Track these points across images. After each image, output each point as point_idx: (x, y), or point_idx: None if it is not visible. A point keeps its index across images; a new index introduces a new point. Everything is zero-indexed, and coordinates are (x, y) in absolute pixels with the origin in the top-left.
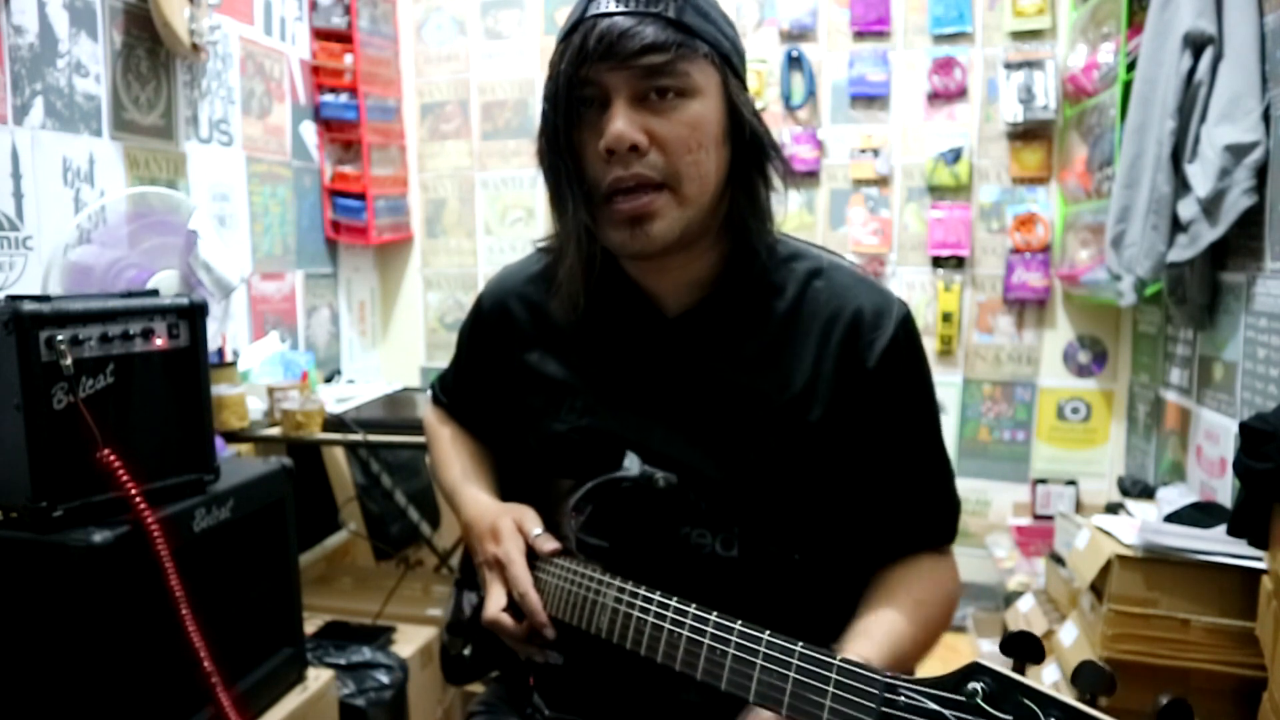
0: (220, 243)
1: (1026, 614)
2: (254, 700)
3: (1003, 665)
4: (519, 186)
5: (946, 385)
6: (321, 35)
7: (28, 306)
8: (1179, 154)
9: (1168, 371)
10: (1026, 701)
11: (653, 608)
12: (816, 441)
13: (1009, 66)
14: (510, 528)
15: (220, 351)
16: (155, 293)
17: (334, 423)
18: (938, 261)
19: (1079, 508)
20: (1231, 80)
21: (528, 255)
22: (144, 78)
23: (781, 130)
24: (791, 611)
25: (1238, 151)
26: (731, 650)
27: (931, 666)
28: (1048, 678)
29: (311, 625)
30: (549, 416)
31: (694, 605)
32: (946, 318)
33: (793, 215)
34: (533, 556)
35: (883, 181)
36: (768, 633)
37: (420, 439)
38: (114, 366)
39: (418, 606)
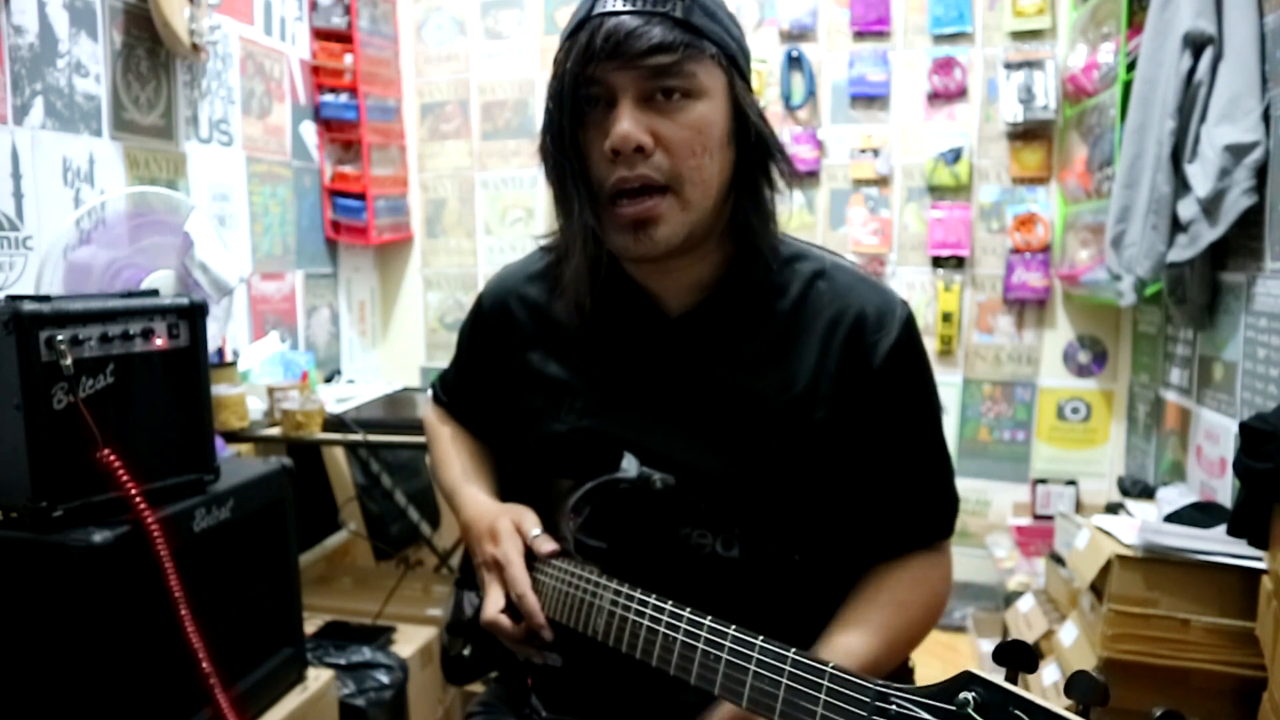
0: (219, 243)
1: (1026, 614)
2: (254, 700)
3: (996, 673)
4: (519, 186)
5: (946, 385)
6: (321, 35)
7: (28, 306)
8: (1179, 154)
9: (1168, 371)
10: (1018, 712)
11: (648, 611)
12: (819, 441)
13: (1009, 66)
14: (509, 529)
15: (220, 351)
16: (155, 293)
17: (334, 423)
18: (938, 261)
19: (1079, 508)
20: (1231, 80)
21: (528, 254)
22: (144, 78)
23: (781, 130)
24: (791, 612)
25: (1238, 151)
26: (725, 656)
27: (930, 666)
28: (1047, 678)
29: (311, 625)
30: (549, 417)
31: (689, 610)
32: (946, 318)
33: (793, 215)
34: (531, 557)
35: (883, 181)
36: (760, 638)
37: (420, 439)
38: (114, 366)
39: (418, 606)
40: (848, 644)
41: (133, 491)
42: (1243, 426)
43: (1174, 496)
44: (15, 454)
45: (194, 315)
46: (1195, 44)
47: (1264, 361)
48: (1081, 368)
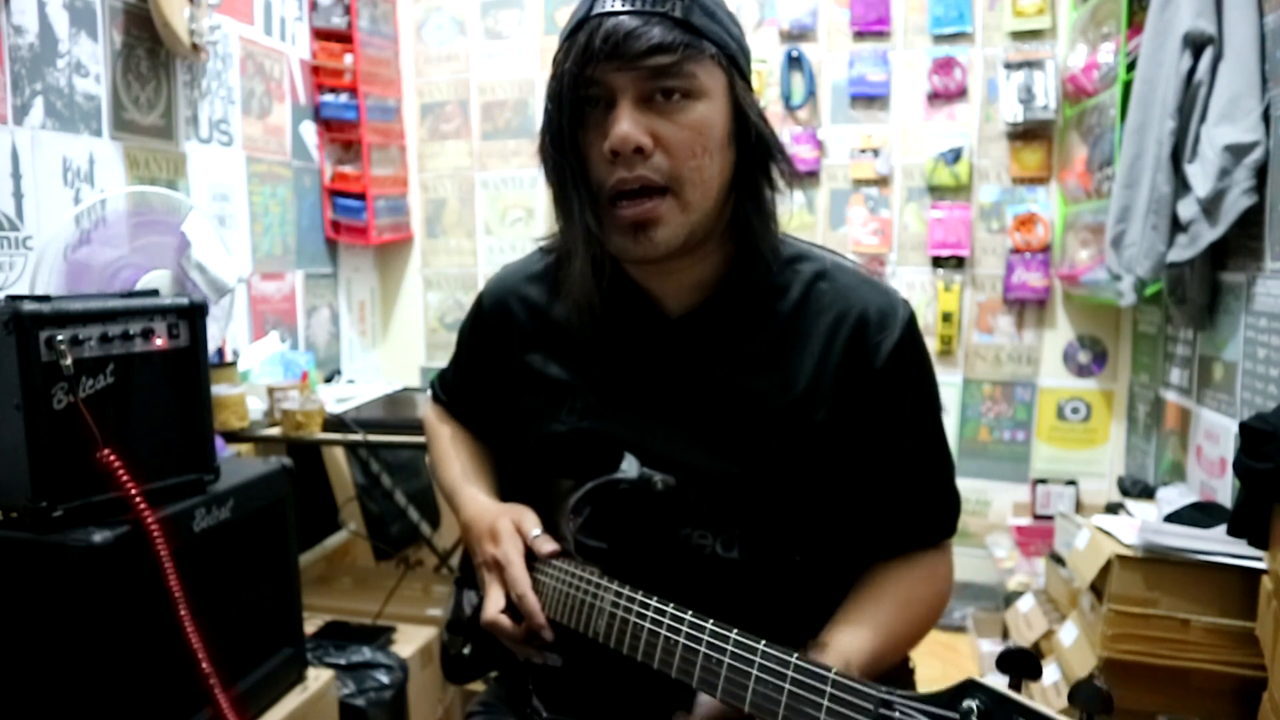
0: (218, 243)
1: (1026, 614)
2: (254, 700)
3: (997, 675)
4: (519, 186)
5: (946, 385)
6: (321, 35)
7: (28, 306)
8: (1179, 154)
9: (1168, 371)
10: None
11: (649, 613)
12: (820, 442)
13: (1009, 66)
14: (509, 529)
15: (220, 351)
16: (155, 292)
17: (334, 423)
18: (938, 261)
19: (1079, 508)
20: (1231, 80)
21: (529, 254)
22: (144, 78)
23: (781, 130)
24: (792, 613)
25: (1237, 151)
26: (727, 659)
27: (930, 666)
28: (1047, 678)
29: (311, 625)
30: (549, 417)
31: (690, 612)
32: (946, 318)
33: (793, 215)
34: (532, 557)
35: (883, 181)
36: (763, 642)
37: (420, 439)
38: (114, 366)
39: (418, 606)
40: (851, 640)
41: (133, 491)
42: (1243, 426)
43: (1174, 496)
44: (15, 454)
45: (194, 315)
46: (1195, 44)
47: (1264, 361)
48: (1081, 368)
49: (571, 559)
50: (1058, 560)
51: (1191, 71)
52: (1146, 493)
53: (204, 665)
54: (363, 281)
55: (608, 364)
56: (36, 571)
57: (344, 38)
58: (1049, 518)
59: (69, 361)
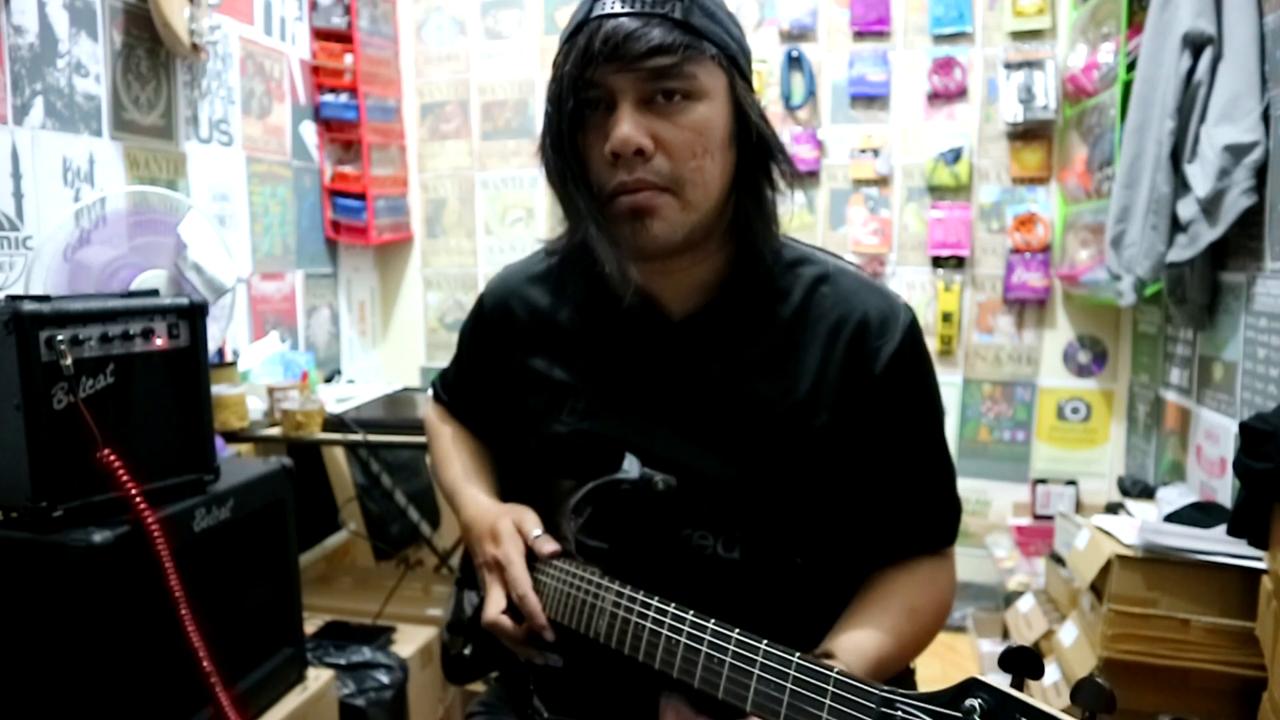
0: (216, 243)
1: (1026, 614)
2: (254, 700)
3: (997, 675)
4: (519, 186)
5: (946, 385)
6: (321, 35)
7: (28, 306)
8: (1179, 154)
9: (1168, 371)
10: (1024, 719)
11: (650, 613)
12: (820, 447)
13: (1009, 66)
14: (510, 529)
15: (220, 351)
16: (155, 292)
17: (334, 423)
18: (938, 261)
19: (1079, 508)
20: (1231, 80)
21: (530, 255)
22: (144, 78)
23: (781, 130)
24: (793, 614)
25: (1237, 151)
26: (729, 659)
27: (930, 666)
28: (1047, 678)
29: (311, 625)
30: (549, 418)
31: (692, 612)
32: (946, 318)
33: (793, 215)
34: (532, 558)
35: (883, 181)
36: (765, 642)
37: (420, 439)
38: (114, 366)
39: (418, 606)
40: (853, 649)
41: (133, 491)
42: (1243, 426)
43: (1174, 496)
44: (15, 454)
45: (194, 315)
46: (1195, 44)
47: (1264, 361)
48: (1081, 368)
49: (572, 559)
50: (1058, 560)
51: (1191, 71)
52: (1146, 493)
53: (204, 665)
54: (363, 281)
55: (609, 365)
56: (36, 571)
57: (344, 38)
58: (1049, 518)
59: (69, 361)
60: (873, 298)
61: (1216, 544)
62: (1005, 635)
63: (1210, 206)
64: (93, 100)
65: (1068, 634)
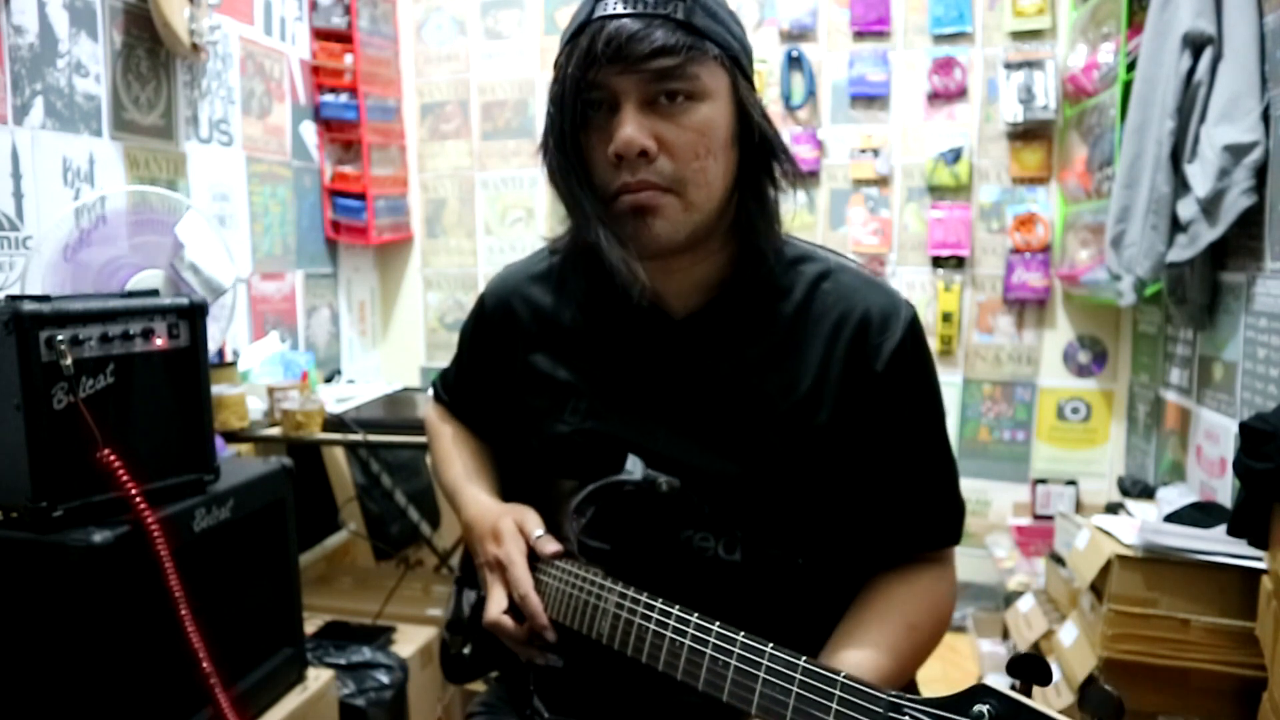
0: (215, 243)
1: (1026, 614)
2: (254, 700)
3: (998, 675)
4: (519, 186)
5: (946, 385)
6: (321, 35)
7: (28, 306)
8: (1179, 154)
9: (1168, 371)
10: None
11: (654, 615)
12: (822, 444)
13: (1009, 66)
14: (511, 529)
15: (220, 351)
16: (155, 292)
17: (334, 423)
18: (938, 261)
19: (1079, 508)
20: (1231, 80)
21: (531, 255)
22: (144, 78)
23: (782, 130)
24: (794, 616)
25: (1237, 151)
26: (734, 662)
27: (930, 667)
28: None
29: (311, 625)
30: (551, 418)
31: (696, 614)
32: (946, 318)
33: (794, 215)
34: (534, 558)
35: (883, 181)
36: (770, 645)
37: (420, 439)
38: (114, 366)
39: (418, 606)
40: (859, 661)
41: (133, 491)
42: (1243, 426)
43: (1174, 496)
44: (15, 454)
45: (194, 315)
46: (1195, 44)
47: (1264, 361)
48: (1081, 368)
49: (574, 560)
50: (1058, 560)
51: (1191, 71)
52: (1146, 493)
53: (204, 665)
54: (363, 281)
55: (611, 365)
56: (36, 571)
57: (344, 38)
58: (1049, 518)
59: (69, 361)
60: (874, 294)
61: (1216, 544)
62: (1005, 635)
63: (1210, 206)
64: (93, 100)
65: (1068, 634)
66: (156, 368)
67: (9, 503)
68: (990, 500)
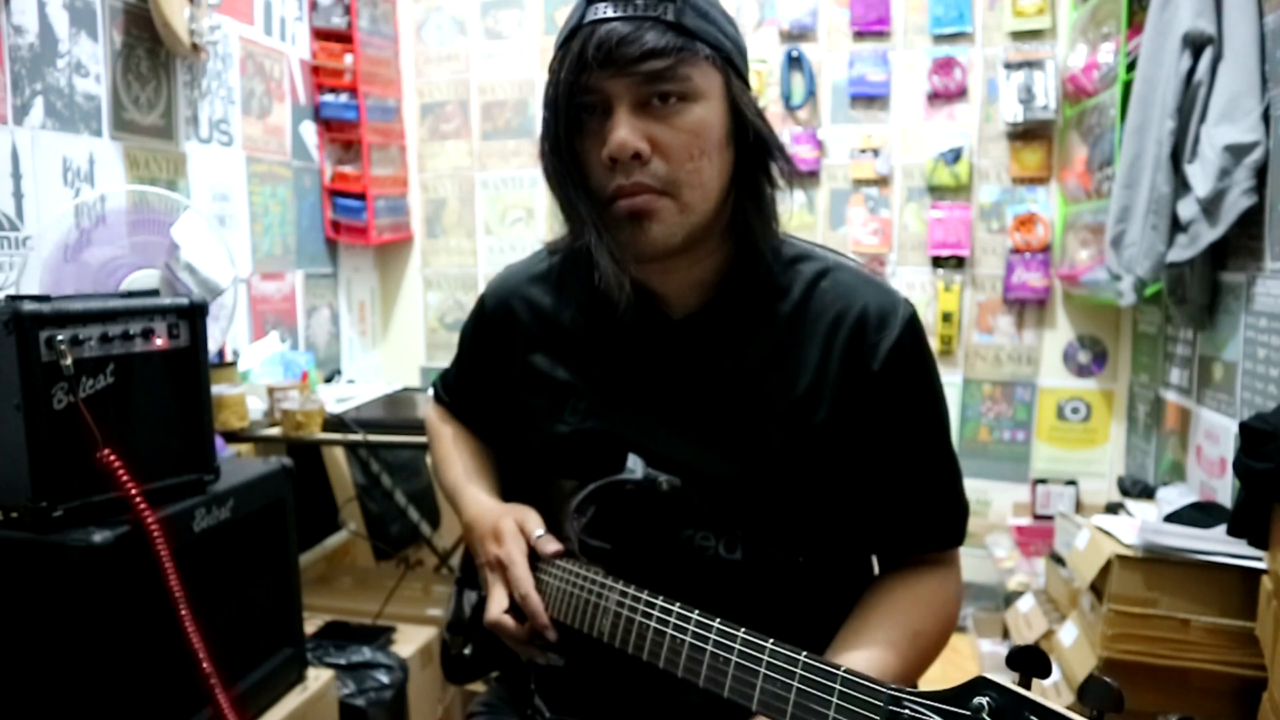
0: (214, 243)
1: (1026, 614)
2: (254, 700)
3: (999, 674)
4: (519, 186)
5: (947, 385)
6: (321, 35)
7: (28, 306)
8: (1179, 154)
9: (1168, 371)
10: (1033, 717)
11: (655, 613)
12: (822, 443)
13: (1009, 66)
14: (512, 529)
15: (220, 351)
16: (156, 292)
17: (334, 423)
18: (938, 261)
19: (1079, 508)
20: (1231, 80)
21: (531, 255)
22: (144, 78)
23: (781, 130)
24: (795, 615)
25: (1237, 151)
26: (734, 658)
27: (931, 667)
28: (1048, 679)
29: (311, 625)
30: (551, 418)
31: (697, 611)
32: (946, 318)
33: (793, 215)
34: (535, 558)
35: (883, 181)
36: (771, 641)
37: (420, 439)
38: (114, 366)
39: (418, 606)
40: (862, 662)
41: (133, 491)
42: (1243, 426)
43: (1174, 496)
44: (15, 454)
45: (194, 315)
46: (1195, 44)
47: (1264, 361)
48: (1081, 368)
49: (575, 559)
50: (1058, 560)
51: (1191, 71)
52: (1146, 493)
53: (204, 665)
54: (363, 281)
55: (611, 365)
56: (36, 571)
57: (344, 38)
58: (1049, 518)
59: (69, 361)
60: (872, 292)
61: (1216, 544)
62: (1005, 635)
63: (1210, 206)
64: (93, 100)
65: (1068, 634)
66: (156, 368)
67: (9, 503)
68: (990, 500)
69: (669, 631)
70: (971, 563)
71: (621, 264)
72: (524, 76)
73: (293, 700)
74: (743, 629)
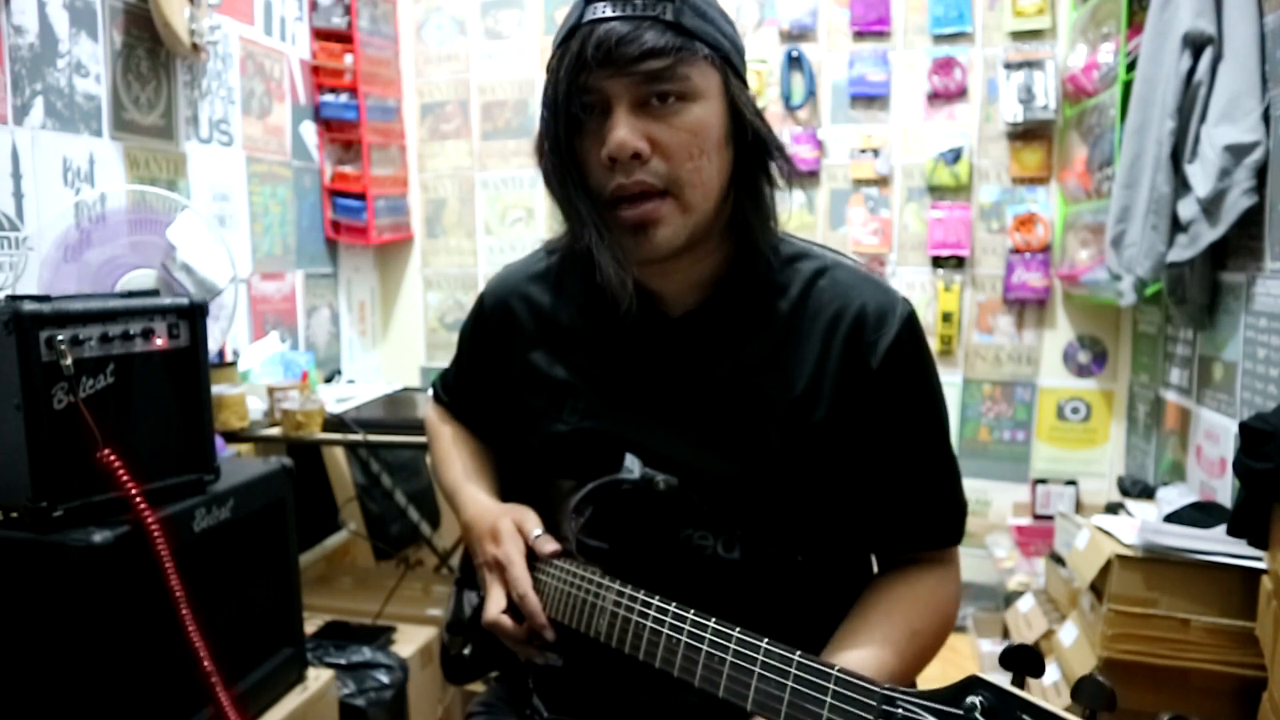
0: (212, 243)
1: (1026, 614)
2: (254, 700)
3: (998, 675)
4: (519, 186)
5: (946, 385)
6: (321, 35)
7: (28, 306)
8: (1179, 154)
9: (1168, 371)
10: (1025, 717)
11: (651, 612)
12: (820, 442)
13: (1009, 66)
14: (510, 529)
15: (220, 351)
16: (156, 292)
17: (334, 423)
18: (938, 261)
19: (1079, 508)
20: (1231, 80)
21: (531, 254)
22: (144, 78)
23: (781, 130)
24: (793, 613)
25: (1237, 152)
26: (729, 657)
27: (931, 667)
28: (1047, 678)
29: (311, 625)
30: (550, 417)
31: (693, 611)
32: (946, 318)
33: (793, 215)
34: (533, 558)
35: (883, 181)
36: (765, 640)
37: (420, 439)
38: (114, 366)
39: (418, 606)
40: (861, 664)
41: (133, 491)
42: (1243, 426)
43: (1174, 496)
44: (15, 454)
45: (194, 315)
46: (1195, 44)
47: (1264, 361)
48: (1081, 368)
49: (573, 559)
50: (1058, 560)
51: (1191, 71)
52: (1146, 493)
53: (205, 665)
54: (363, 281)
55: (609, 364)
56: (36, 571)
57: (344, 38)
58: (1049, 518)
59: (69, 361)
60: (870, 291)
61: (1216, 544)
62: (1005, 635)
63: (1210, 206)
64: (93, 100)
65: (1068, 634)
66: (157, 368)
67: (9, 503)
68: (990, 500)
69: (665, 631)
70: (971, 563)
71: (624, 265)
72: (524, 76)
73: (293, 700)
74: (738, 629)
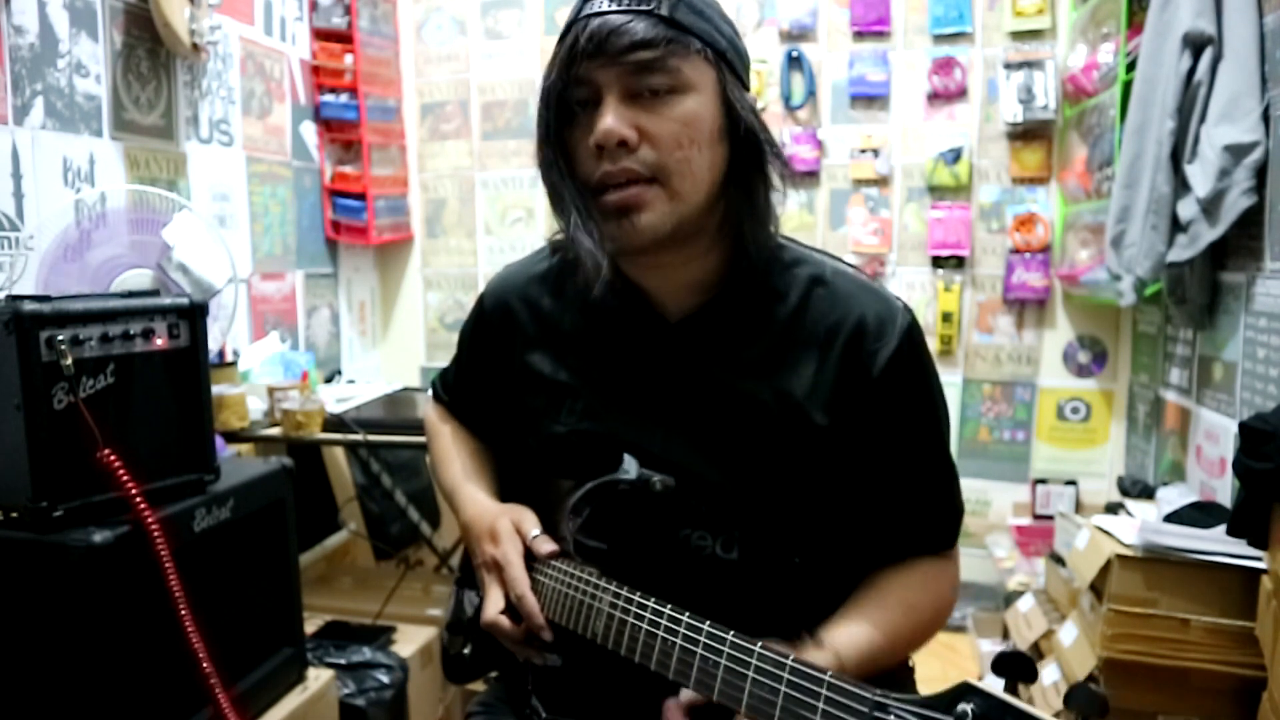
0: (211, 243)
1: (1026, 614)
2: (254, 700)
3: (995, 685)
4: (519, 186)
5: (947, 385)
6: (321, 35)
7: (28, 306)
8: (1179, 154)
9: (1168, 371)
10: None
11: (647, 615)
12: (818, 449)
13: (1009, 66)
14: (508, 529)
15: (220, 351)
16: (156, 293)
17: (334, 423)
18: (938, 261)
19: (1079, 508)
20: (1231, 80)
21: (531, 254)
22: (144, 78)
23: (781, 130)
24: (791, 614)
25: (1237, 152)
26: (723, 661)
27: (930, 666)
28: (1047, 678)
29: (311, 625)
30: (549, 418)
31: (687, 614)
32: (946, 318)
33: (793, 215)
34: (531, 558)
35: (883, 181)
36: (759, 644)
37: (420, 439)
38: (114, 366)
39: (418, 606)
40: (847, 639)
41: (133, 491)
42: (1242, 426)
43: (1174, 496)
44: (15, 454)
45: (194, 315)
46: (1195, 44)
47: (1264, 361)
48: (1081, 368)
49: (571, 559)
50: (1058, 560)
51: (1191, 71)
52: (1146, 493)
53: (204, 665)
54: (363, 281)
55: (608, 365)
56: (36, 571)
57: (344, 38)
58: (1049, 518)
59: (69, 361)
60: (870, 300)
61: (1216, 544)
62: (1005, 635)
63: (1210, 206)
64: (93, 100)
65: (1068, 634)
66: (157, 368)
67: (9, 503)
68: (990, 500)
69: (660, 634)
70: (971, 563)
71: (599, 246)
72: (524, 76)
73: (293, 700)
74: (732, 632)
